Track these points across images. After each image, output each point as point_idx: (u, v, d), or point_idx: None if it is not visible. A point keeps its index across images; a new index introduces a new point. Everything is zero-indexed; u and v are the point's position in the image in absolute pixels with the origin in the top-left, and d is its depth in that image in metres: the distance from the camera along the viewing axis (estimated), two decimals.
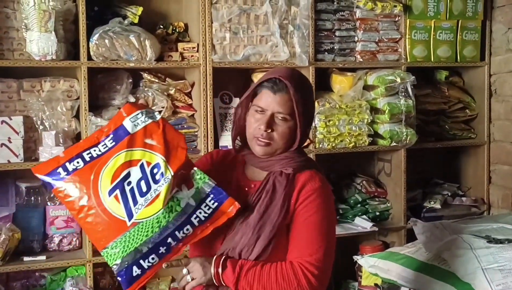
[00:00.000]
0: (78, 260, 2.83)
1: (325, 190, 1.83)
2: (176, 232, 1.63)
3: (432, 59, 3.46)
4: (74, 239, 2.91)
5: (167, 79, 3.09)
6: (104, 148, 1.67)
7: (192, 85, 3.11)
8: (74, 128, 2.87)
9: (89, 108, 2.80)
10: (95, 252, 2.84)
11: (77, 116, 2.90)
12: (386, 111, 3.25)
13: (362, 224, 3.35)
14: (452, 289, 2.50)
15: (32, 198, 2.85)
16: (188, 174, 1.68)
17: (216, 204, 1.69)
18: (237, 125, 1.92)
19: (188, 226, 1.64)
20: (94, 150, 1.67)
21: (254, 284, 1.69)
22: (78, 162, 1.66)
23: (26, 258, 2.74)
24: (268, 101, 1.80)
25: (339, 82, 3.28)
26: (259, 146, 1.81)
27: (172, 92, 3.05)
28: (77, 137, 2.89)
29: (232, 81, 3.25)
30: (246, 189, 1.86)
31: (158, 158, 1.65)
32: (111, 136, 1.69)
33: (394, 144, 3.29)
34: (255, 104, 1.84)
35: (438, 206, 3.56)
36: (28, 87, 2.80)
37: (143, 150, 1.66)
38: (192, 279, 1.68)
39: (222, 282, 1.69)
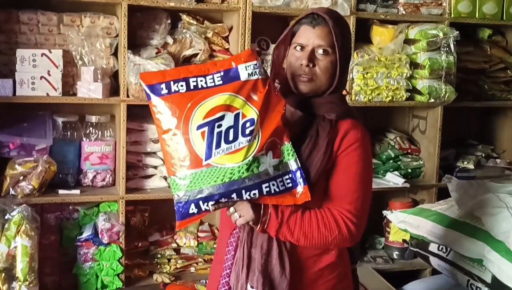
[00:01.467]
0: (111, 196, 2.87)
1: (367, 141, 1.79)
2: (243, 191, 1.60)
3: (477, 16, 3.36)
4: (107, 176, 2.93)
5: (205, 21, 3.06)
6: (210, 82, 1.63)
7: (230, 29, 3.08)
8: (112, 65, 2.87)
9: (127, 46, 2.78)
10: (128, 190, 2.87)
11: (115, 54, 2.89)
12: (426, 66, 3.19)
13: (394, 179, 3.32)
14: (484, 246, 2.48)
15: (68, 133, 2.88)
16: (279, 143, 1.65)
17: (290, 185, 1.65)
18: (276, 66, 1.87)
19: (256, 191, 1.61)
20: (201, 80, 1.64)
21: (295, 230, 1.68)
22: (182, 86, 1.62)
23: (61, 191, 2.79)
24: (308, 35, 1.76)
25: (379, 34, 3.21)
26: (303, 83, 1.76)
27: (209, 35, 3.02)
28: (115, 74, 2.90)
29: (269, 27, 3.19)
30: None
31: (254, 115, 1.61)
32: (222, 74, 1.64)
33: (432, 100, 3.23)
34: (294, 42, 1.80)
35: (471, 166, 3.52)
36: (68, 21, 2.80)
37: (245, 102, 1.62)
38: (240, 217, 1.67)
39: (265, 228, 1.67)
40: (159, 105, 1.61)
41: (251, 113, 1.61)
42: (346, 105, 1.85)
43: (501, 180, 3.03)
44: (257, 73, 1.64)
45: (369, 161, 1.81)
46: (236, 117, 1.61)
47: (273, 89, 1.67)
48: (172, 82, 1.62)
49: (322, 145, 1.73)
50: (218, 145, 1.59)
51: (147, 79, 1.63)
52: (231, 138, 1.60)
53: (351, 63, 3.06)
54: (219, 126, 1.60)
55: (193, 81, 1.63)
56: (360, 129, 1.78)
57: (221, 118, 1.60)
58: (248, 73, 1.63)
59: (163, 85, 1.61)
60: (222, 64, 1.66)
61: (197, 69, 1.65)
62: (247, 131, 1.60)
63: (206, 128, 1.59)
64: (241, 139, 1.60)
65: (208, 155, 1.59)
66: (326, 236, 1.69)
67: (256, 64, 1.65)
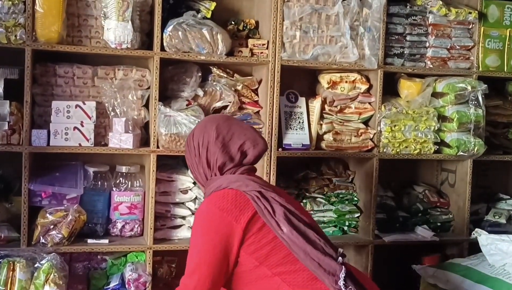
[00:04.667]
0: (139, 246, 2.88)
1: (202, 209, 1.96)
2: None
3: (505, 70, 3.37)
4: (136, 226, 2.96)
5: (235, 74, 3.13)
6: None
7: (260, 82, 3.13)
8: (143, 116, 2.93)
9: (158, 98, 2.85)
10: (156, 240, 2.89)
11: (146, 106, 2.96)
12: (455, 119, 3.19)
13: (423, 233, 3.28)
14: None
15: (99, 182, 2.93)
16: None
17: None
18: None
19: None
20: None
21: None
22: None
23: (90, 241, 2.81)
24: None
25: (407, 88, 3.24)
26: None
27: (239, 87, 3.08)
28: (146, 125, 2.96)
29: (298, 81, 3.26)
30: None
31: None
32: None
33: (461, 153, 3.22)
34: None
35: (503, 221, 3.45)
36: (102, 74, 2.89)
37: None
38: None
39: None
40: None
41: None
42: (212, 183, 2.04)
43: None
44: None
45: (202, 228, 1.93)
46: None
47: None
48: None
49: None
50: None
51: None
52: None
53: (378, 115, 3.12)
54: None
55: None
56: (205, 201, 1.99)
57: None
58: None
59: None
60: None
61: None
62: None
63: None
64: None
65: None
66: None
67: None
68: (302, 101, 3.19)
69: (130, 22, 2.72)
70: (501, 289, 2.54)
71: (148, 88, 2.94)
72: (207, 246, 1.88)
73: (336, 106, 3.17)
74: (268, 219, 1.88)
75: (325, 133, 3.13)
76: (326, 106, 3.15)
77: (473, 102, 3.21)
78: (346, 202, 3.26)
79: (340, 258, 1.87)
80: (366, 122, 3.22)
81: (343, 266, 1.84)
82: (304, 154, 3.07)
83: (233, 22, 3.07)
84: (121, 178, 2.96)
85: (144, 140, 2.95)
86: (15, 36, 2.64)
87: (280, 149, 3.04)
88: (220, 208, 1.90)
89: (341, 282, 1.79)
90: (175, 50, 2.84)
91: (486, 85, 3.21)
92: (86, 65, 2.88)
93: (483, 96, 3.21)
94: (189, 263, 1.91)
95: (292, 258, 1.87)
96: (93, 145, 2.80)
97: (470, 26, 3.31)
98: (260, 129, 3.05)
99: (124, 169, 2.97)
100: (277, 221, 1.87)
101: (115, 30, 2.72)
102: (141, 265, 2.88)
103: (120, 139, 2.79)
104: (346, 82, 3.15)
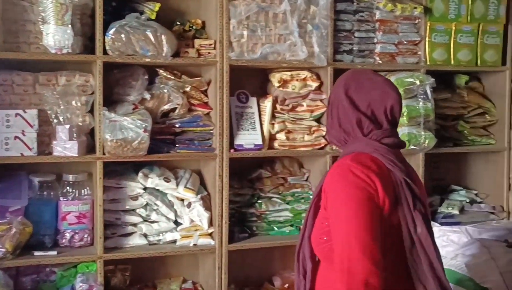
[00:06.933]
0: (89, 256, 2.80)
1: (338, 173, 1.66)
2: None
3: (452, 63, 3.41)
4: (85, 235, 2.87)
5: (183, 76, 3.07)
6: None
7: (209, 83, 3.09)
8: (88, 122, 2.84)
9: (104, 103, 2.77)
10: (106, 249, 2.81)
11: (91, 111, 2.88)
12: (404, 114, 3.19)
13: None
14: None
15: (45, 192, 2.83)
16: None
17: None
18: None
19: None
20: None
21: None
22: None
23: (36, 253, 2.71)
24: None
25: None
26: None
27: (188, 89, 3.03)
28: (91, 132, 2.87)
29: (249, 81, 3.22)
30: None
31: None
32: None
33: (412, 147, 3.23)
34: None
35: (456, 212, 3.48)
36: (44, 80, 2.79)
37: None
38: None
39: None
40: None
41: None
42: (353, 144, 1.81)
43: (483, 224, 3.02)
44: None
45: (344, 195, 1.62)
46: None
47: None
48: None
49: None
50: None
51: None
52: None
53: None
54: None
55: None
56: (338, 164, 1.70)
57: None
58: None
59: None
60: None
61: None
62: None
63: None
64: None
65: None
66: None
67: None
68: (253, 101, 3.15)
69: (70, 26, 2.64)
70: (453, 279, 2.56)
71: (93, 93, 2.85)
72: (352, 204, 1.59)
73: (287, 105, 3.14)
74: (406, 212, 1.61)
75: (277, 132, 3.11)
76: (277, 105, 3.13)
77: (422, 96, 3.23)
78: (302, 200, 3.24)
79: None
80: (318, 120, 3.21)
81: None
82: (257, 154, 3.04)
83: (178, 23, 3.01)
84: (68, 187, 2.87)
85: (90, 147, 2.86)
86: None
87: (232, 150, 3.00)
88: (364, 173, 1.62)
89: None
90: (119, 53, 2.77)
91: (433, 79, 3.24)
92: (26, 72, 2.78)
93: (431, 89, 3.24)
94: (338, 238, 1.60)
95: (403, 271, 1.63)
96: (36, 154, 2.70)
97: (416, 21, 3.33)
98: (211, 131, 3.00)
99: (71, 177, 2.87)
100: (414, 217, 1.60)
101: (54, 35, 2.63)
102: (92, 275, 2.79)
103: (65, 147, 2.71)
104: (297, 80, 3.13)
